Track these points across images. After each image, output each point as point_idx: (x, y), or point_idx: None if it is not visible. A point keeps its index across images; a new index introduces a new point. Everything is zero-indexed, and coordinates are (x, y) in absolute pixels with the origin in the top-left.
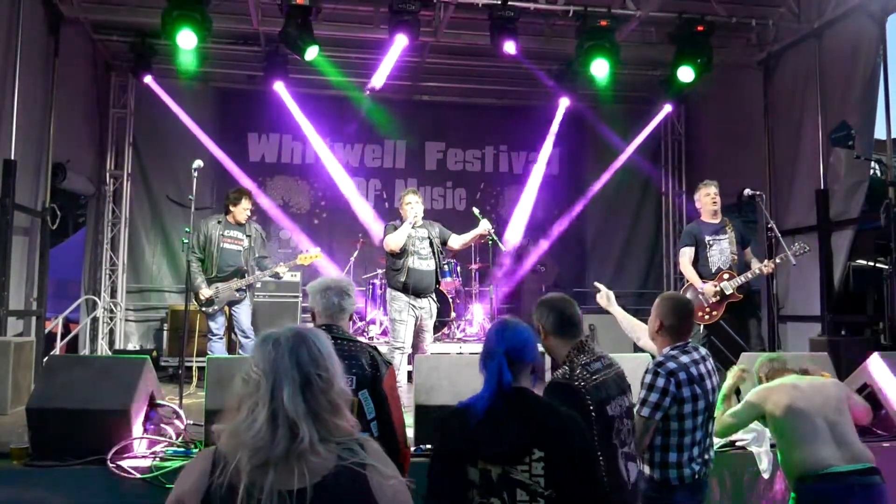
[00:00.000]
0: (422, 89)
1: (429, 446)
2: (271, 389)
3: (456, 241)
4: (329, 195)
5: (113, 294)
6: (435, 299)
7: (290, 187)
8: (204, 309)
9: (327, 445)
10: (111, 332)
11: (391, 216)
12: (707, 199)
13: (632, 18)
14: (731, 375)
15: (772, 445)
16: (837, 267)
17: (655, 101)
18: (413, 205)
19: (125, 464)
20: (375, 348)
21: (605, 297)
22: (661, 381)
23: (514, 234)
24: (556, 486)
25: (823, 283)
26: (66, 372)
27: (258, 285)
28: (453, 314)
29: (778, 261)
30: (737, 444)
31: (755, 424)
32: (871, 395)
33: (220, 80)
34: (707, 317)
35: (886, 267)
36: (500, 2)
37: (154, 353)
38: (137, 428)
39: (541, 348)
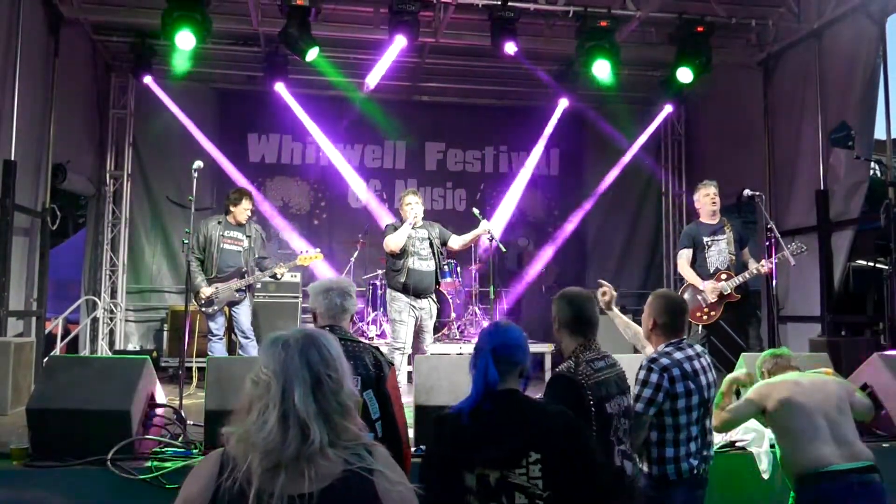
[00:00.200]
0: (422, 90)
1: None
2: (282, 391)
3: (456, 242)
4: (329, 196)
5: (113, 294)
6: (435, 300)
7: (289, 188)
8: (204, 309)
9: (335, 449)
10: (111, 332)
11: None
12: (706, 199)
13: (632, 19)
14: (734, 374)
15: (771, 446)
16: (837, 267)
17: (655, 102)
18: (413, 205)
19: (125, 464)
20: (378, 348)
21: (610, 296)
22: (654, 377)
23: (515, 234)
24: (554, 487)
25: (823, 283)
26: (67, 372)
27: (258, 286)
28: (453, 315)
29: (776, 260)
30: (737, 444)
31: (755, 425)
32: (871, 395)
33: (220, 81)
34: (706, 317)
35: (886, 267)
36: (499, 2)
37: (154, 354)
38: (137, 428)
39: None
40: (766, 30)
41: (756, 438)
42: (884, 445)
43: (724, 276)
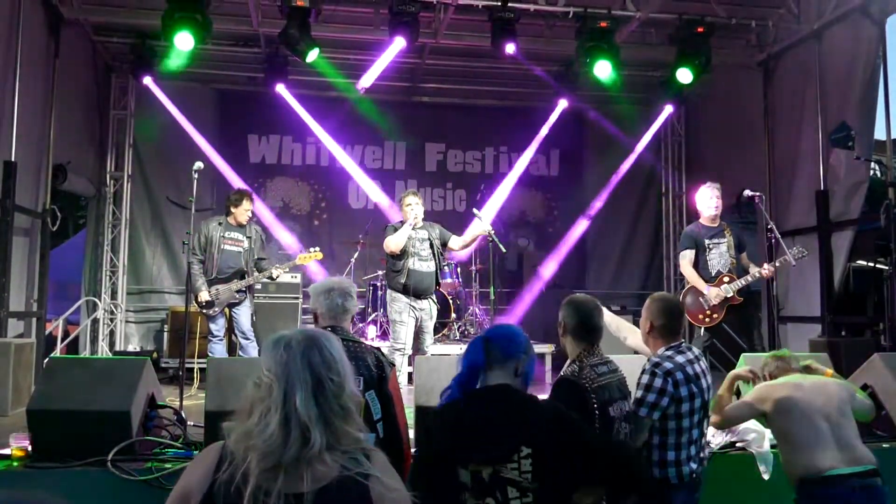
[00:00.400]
0: (422, 90)
1: None
2: (284, 393)
3: (456, 243)
4: (329, 196)
5: (113, 295)
6: (435, 301)
7: (290, 188)
8: (204, 311)
9: (332, 454)
10: (111, 333)
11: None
12: (709, 201)
13: (632, 19)
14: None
15: (772, 447)
16: (837, 268)
17: (656, 102)
18: (413, 206)
19: (125, 465)
20: (379, 349)
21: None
22: (658, 382)
23: (514, 234)
24: (543, 480)
25: (823, 284)
26: (67, 373)
27: (258, 287)
28: (453, 315)
29: (777, 265)
30: (737, 444)
31: (756, 425)
32: (871, 395)
33: (220, 82)
34: (708, 319)
35: (886, 268)
36: (499, 3)
37: (154, 355)
38: (138, 429)
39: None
40: (766, 30)
41: (756, 439)
42: (884, 446)
43: (726, 280)
